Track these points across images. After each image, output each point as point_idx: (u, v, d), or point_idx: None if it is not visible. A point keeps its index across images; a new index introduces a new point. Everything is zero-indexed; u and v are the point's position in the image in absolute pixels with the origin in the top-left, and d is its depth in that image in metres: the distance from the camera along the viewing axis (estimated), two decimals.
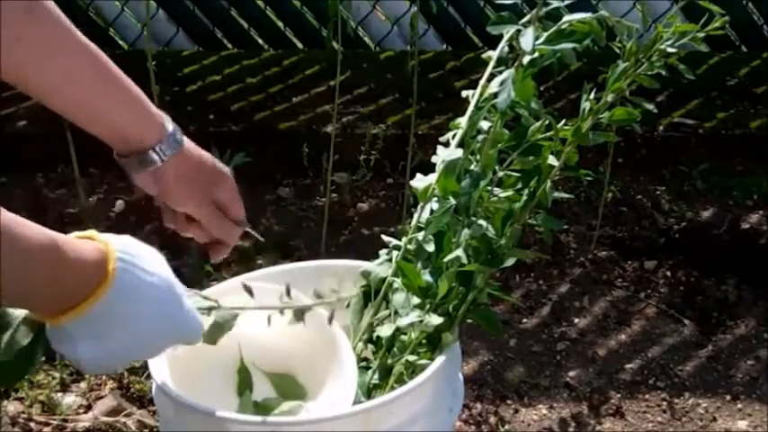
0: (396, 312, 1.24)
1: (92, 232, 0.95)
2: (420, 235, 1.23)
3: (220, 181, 1.20)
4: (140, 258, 0.96)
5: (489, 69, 1.23)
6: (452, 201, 1.20)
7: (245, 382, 1.28)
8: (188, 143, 1.16)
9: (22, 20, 0.99)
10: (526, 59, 1.18)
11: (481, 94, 1.23)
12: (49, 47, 1.02)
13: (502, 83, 1.17)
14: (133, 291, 0.93)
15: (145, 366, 1.85)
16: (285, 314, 1.26)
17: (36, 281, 0.87)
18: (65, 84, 1.05)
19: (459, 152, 1.21)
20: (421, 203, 1.25)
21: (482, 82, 1.24)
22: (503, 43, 1.23)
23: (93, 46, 1.07)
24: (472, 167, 1.23)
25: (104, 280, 0.91)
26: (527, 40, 1.16)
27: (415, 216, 1.26)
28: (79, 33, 1.06)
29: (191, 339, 1.04)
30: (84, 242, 0.93)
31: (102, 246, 0.93)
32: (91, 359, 0.93)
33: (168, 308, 0.98)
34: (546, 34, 1.19)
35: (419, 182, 1.25)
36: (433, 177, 1.23)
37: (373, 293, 1.30)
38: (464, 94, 1.27)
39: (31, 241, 0.85)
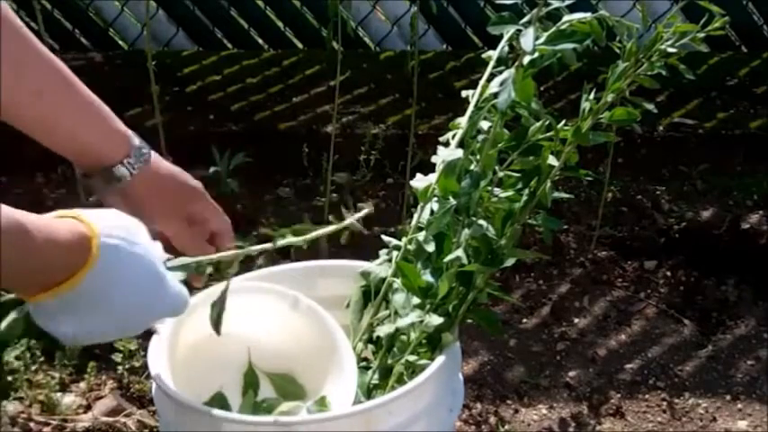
0: (396, 312, 1.24)
1: (77, 211, 0.94)
2: (420, 235, 1.23)
3: (193, 195, 1.19)
4: (129, 233, 0.96)
5: (489, 69, 1.23)
6: (452, 201, 1.20)
7: (250, 384, 1.28)
8: (156, 158, 1.15)
9: None
10: (526, 59, 1.18)
11: (481, 94, 1.23)
12: (17, 63, 1.01)
13: (502, 83, 1.17)
14: (114, 273, 0.93)
15: (145, 366, 1.85)
16: (285, 314, 1.26)
17: (5, 263, 0.85)
18: (34, 100, 1.05)
19: (460, 152, 1.21)
20: (421, 203, 1.25)
21: (482, 82, 1.24)
22: (503, 43, 1.23)
23: (57, 59, 1.06)
24: (472, 167, 1.23)
25: (86, 263, 0.91)
26: (527, 40, 1.16)
27: (415, 216, 1.26)
28: (43, 46, 1.05)
29: (173, 314, 1.04)
30: (62, 222, 0.92)
31: (84, 227, 0.92)
32: (70, 335, 0.95)
33: (148, 287, 0.98)
34: (546, 34, 1.19)
35: (419, 182, 1.25)
36: (432, 177, 1.23)
37: (373, 293, 1.30)
38: (464, 94, 1.27)
39: None
